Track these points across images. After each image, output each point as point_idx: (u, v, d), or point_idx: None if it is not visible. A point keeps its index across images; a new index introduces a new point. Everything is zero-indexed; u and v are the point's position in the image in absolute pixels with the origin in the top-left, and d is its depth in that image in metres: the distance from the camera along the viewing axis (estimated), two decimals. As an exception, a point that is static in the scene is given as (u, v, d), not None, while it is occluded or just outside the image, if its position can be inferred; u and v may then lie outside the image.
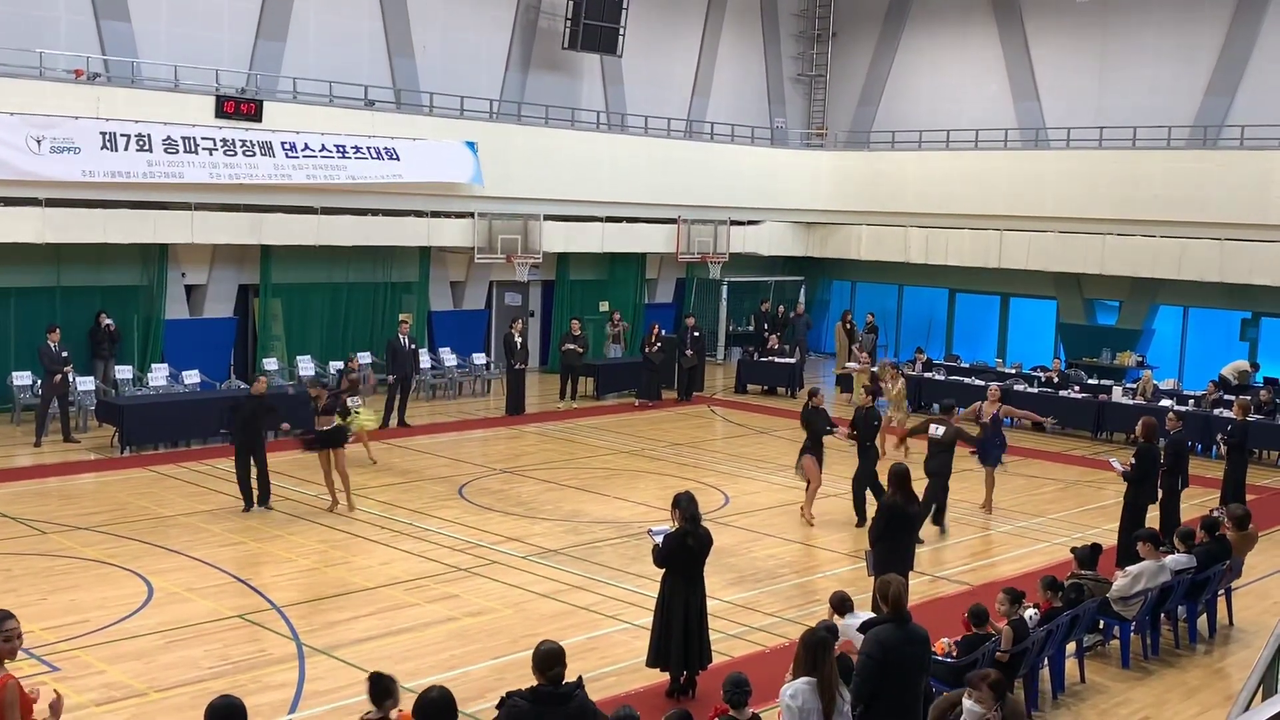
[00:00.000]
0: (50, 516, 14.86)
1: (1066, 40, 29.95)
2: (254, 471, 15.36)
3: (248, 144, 21.12)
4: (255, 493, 15.36)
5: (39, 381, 19.81)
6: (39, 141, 18.97)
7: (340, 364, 23.42)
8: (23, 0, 20.94)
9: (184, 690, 9.72)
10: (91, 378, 20.33)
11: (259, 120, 21.39)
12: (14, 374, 20.12)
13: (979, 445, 16.70)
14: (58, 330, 19.15)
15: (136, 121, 19.94)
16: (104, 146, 19.58)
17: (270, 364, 23.00)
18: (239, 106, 21.21)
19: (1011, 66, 30.82)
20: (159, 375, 21.04)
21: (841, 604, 9.20)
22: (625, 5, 28.18)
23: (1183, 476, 14.82)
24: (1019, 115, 30.51)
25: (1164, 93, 28.10)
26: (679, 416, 23.95)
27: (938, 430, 15.50)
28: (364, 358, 24.18)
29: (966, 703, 7.15)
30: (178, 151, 20.33)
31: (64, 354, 19.00)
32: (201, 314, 23.12)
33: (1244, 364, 24.48)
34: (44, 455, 18.25)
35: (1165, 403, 21.54)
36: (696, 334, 25.96)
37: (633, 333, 28.91)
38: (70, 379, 19.20)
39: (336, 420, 15.49)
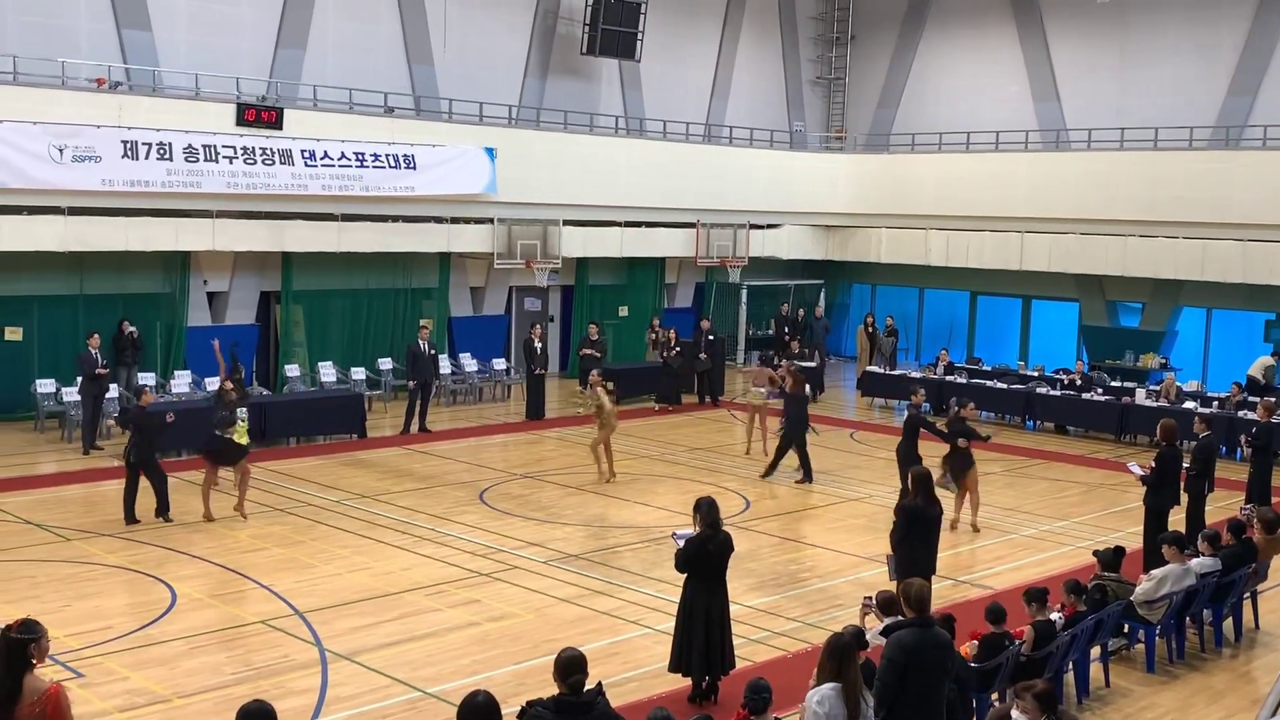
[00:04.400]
0: (73, 523, 14.96)
1: (1086, 40, 29.81)
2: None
3: (267, 152, 21.22)
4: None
5: (62, 389, 19.95)
6: (61, 150, 19.08)
7: (362, 371, 23.61)
8: (45, 10, 21.10)
9: (207, 696, 9.76)
10: (114, 385, 20.44)
11: (279, 128, 21.49)
12: (38, 381, 20.25)
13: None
14: (97, 336, 19.40)
15: (158, 130, 20.03)
16: (125, 155, 19.67)
17: (292, 370, 23.09)
18: (259, 114, 21.29)
19: (1031, 67, 30.69)
20: (181, 382, 21.13)
21: (889, 604, 8.84)
22: (643, 10, 28.20)
23: (1209, 480, 14.71)
24: (1039, 116, 30.37)
25: (1185, 93, 27.93)
26: (699, 421, 23.93)
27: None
28: (385, 364, 24.33)
29: (1014, 713, 7.12)
30: (198, 160, 20.43)
31: (103, 361, 19.24)
32: (224, 321, 23.19)
33: (1269, 359, 24.21)
34: (67, 462, 18.36)
35: (1189, 405, 21.39)
36: (711, 337, 25.93)
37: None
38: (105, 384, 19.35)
39: (233, 433, 15.19)
